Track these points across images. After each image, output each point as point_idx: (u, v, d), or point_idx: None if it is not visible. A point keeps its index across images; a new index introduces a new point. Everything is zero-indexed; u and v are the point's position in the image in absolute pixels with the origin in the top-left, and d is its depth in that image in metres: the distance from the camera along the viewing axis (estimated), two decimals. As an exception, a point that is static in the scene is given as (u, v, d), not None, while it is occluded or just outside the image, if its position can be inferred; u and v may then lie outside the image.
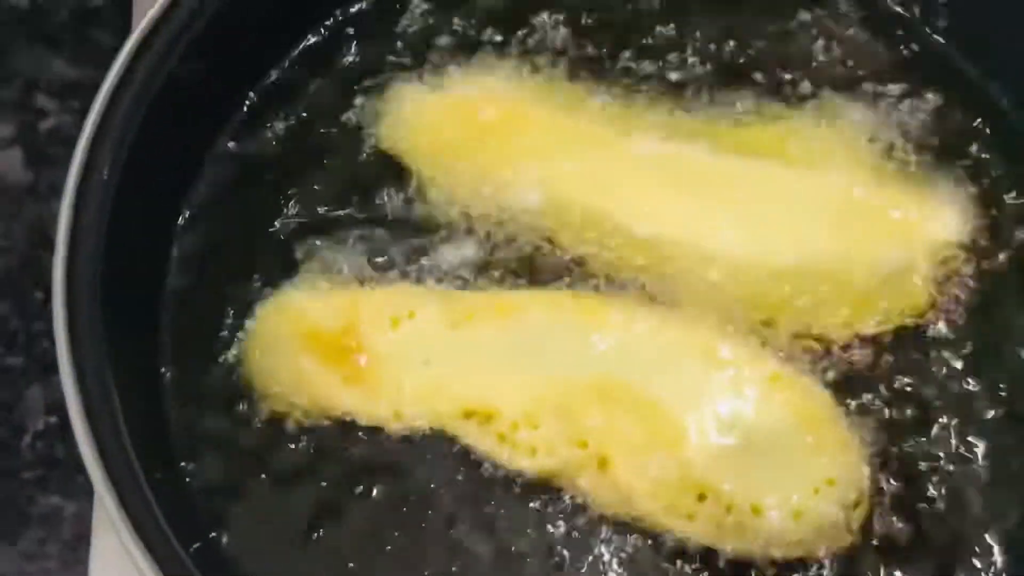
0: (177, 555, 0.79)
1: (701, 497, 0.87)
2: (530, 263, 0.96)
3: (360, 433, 0.92)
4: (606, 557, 0.88)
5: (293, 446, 0.92)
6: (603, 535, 0.89)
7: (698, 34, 1.05)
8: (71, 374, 0.82)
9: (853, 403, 0.92)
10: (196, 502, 0.89)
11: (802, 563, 0.87)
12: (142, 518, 0.79)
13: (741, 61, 1.04)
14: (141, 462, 0.83)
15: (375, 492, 0.91)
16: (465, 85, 1.02)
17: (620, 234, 0.96)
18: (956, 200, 0.98)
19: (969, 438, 0.92)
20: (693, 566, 0.87)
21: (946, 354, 0.93)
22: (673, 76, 1.03)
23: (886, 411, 0.92)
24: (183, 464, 0.91)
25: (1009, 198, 0.99)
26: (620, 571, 0.88)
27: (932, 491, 0.90)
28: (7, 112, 1.28)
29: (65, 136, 1.28)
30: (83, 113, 1.25)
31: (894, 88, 1.03)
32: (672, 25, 1.05)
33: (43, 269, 1.22)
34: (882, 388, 0.92)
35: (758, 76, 1.03)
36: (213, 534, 0.88)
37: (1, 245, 1.23)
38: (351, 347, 0.93)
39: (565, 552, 0.88)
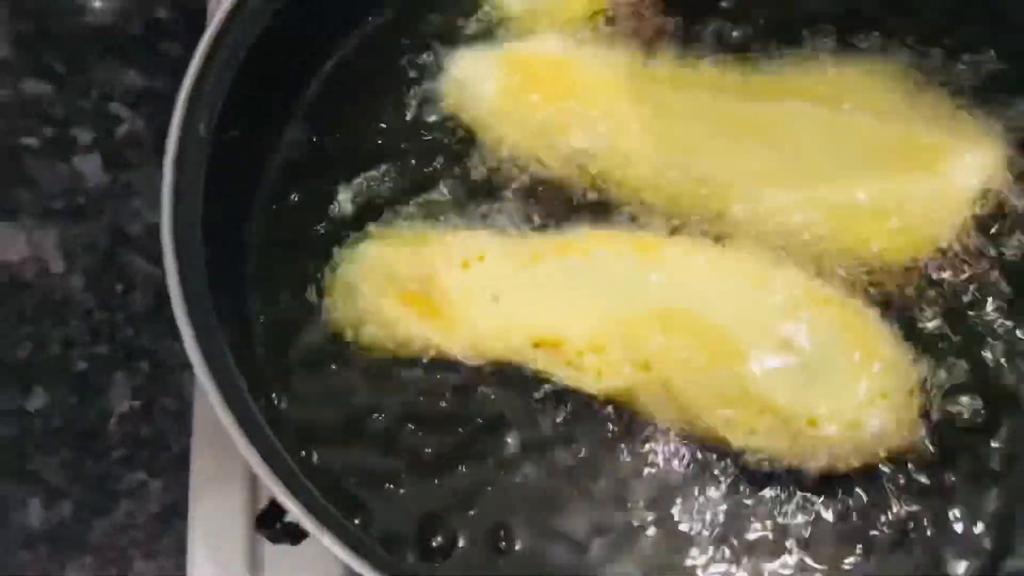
0: (283, 457, 0.87)
1: (761, 411, 0.92)
2: (591, 208, 1.02)
3: (438, 365, 0.98)
4: (673, 468, 0.94)
5: (376, 379, 0.98)
6: (669, 450, 0.94)
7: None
8: (184, 310, 0.88)
9: (901, 324, 0.96)
10: (288, 426, 0.96)
11: (863, 471, 0.92)
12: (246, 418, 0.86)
13: (780, 16, 1.10)
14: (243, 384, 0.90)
15: (451, 417, 0.97)
16: (525, 49, 1.09)
17: (675, 178, 1.02)
18: (991, 148, 1.03)
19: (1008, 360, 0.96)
20: (758, 476, 0.93)
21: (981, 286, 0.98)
22: (716, 34, 1.10)
23: (933, 331, 0.97)
24: (274, 395, 0.98)
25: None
26: (687, 482, 0.93)
27: (978, 402, 0.94)
28: (86, 121, 1.37)
29: (138, 140, 1.37)
30: (153, 118, 1.35)
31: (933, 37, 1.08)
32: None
33: (122, 265, 1.32)
34: (927, 311, 0.97)
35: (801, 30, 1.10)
36: (303, 452, 0.94)
37: (84, 242, 1.31)
38: (427, 288, 0.99)
39: (631, 464, 0.94)
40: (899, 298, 0.98)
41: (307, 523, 0.81)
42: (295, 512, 0.81)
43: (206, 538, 1.06)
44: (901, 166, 1.01)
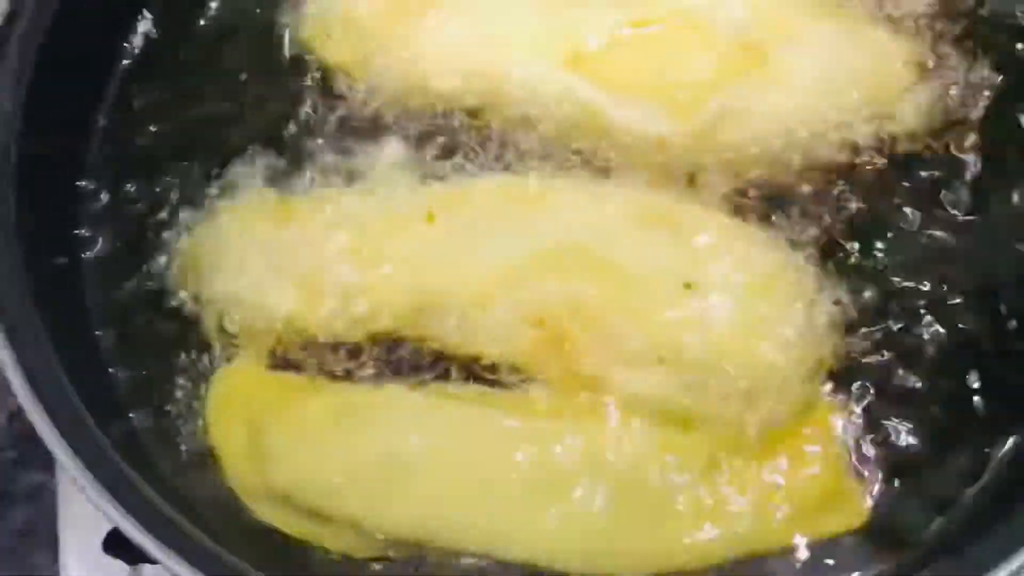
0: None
1: (660, 360, 0.85)
2: (465, 149, 0.95)
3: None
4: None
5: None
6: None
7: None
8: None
9: (803, 252, 0.90)
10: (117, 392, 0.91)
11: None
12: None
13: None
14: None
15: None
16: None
17: (552, 111, 0.94)
18: None
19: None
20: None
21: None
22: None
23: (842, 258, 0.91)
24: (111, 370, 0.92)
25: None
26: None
27: (887, 336, 0.89)
28: None
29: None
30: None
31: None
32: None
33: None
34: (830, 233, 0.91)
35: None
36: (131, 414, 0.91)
37: None
38: (296, 254, 0.90)
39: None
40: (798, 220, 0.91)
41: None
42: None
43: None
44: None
